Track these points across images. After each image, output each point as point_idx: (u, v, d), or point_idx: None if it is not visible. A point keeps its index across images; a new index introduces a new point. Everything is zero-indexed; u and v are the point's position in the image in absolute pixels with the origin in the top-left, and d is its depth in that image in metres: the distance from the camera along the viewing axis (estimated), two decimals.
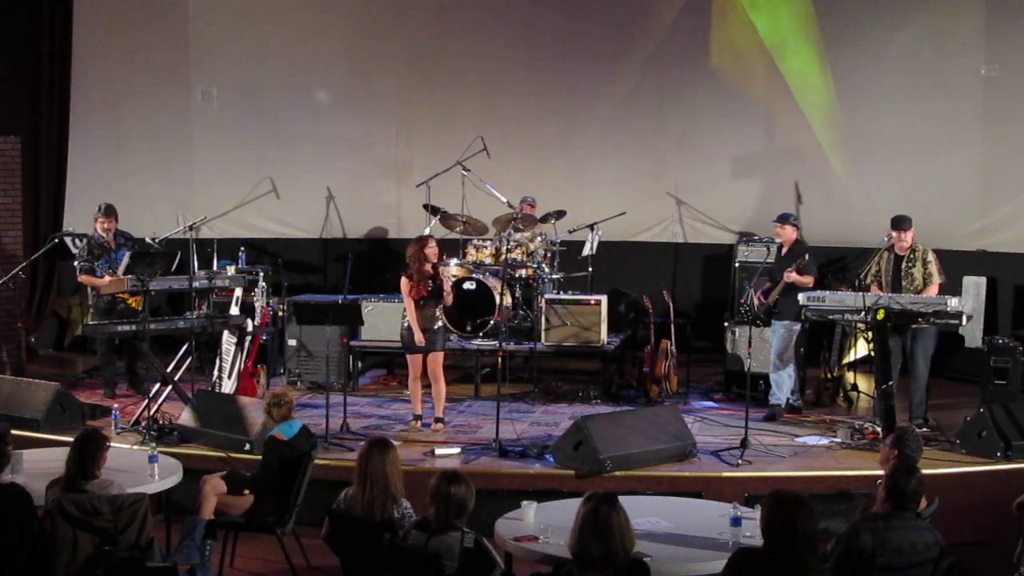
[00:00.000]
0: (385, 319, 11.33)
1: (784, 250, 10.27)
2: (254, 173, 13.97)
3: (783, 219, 10.29)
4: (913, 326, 9.30)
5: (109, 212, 10.78)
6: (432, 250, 9.53)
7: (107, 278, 10.37)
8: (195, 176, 14.16)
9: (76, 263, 10.74)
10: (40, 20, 13.57)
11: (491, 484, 8.08)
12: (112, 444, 6.85)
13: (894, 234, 9.69)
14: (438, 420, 9.73)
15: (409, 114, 14.10)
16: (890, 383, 9.07)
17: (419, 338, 9.53)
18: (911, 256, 9.76)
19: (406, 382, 11.77)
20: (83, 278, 10.70)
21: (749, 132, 13.46)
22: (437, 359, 9.67)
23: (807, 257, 9.94)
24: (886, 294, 9.34)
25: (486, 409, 10.36)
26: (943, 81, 12.49)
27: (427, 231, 11.84)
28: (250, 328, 10.44)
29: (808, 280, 9.96)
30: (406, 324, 9.57)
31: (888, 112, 12.77)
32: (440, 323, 9.65)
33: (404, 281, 9.56)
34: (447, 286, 9.53)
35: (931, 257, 9.74)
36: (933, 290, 9.60)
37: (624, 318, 12.37)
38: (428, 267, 9.50)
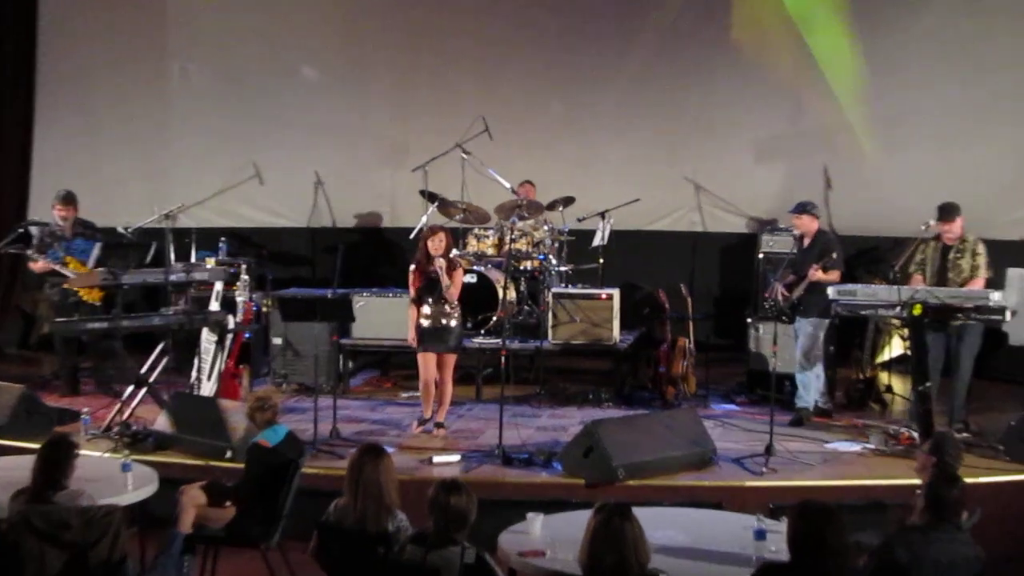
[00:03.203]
0: (378, 315, 11.32)
1: (806, 242, 10.25)
2: (236, 157, 13.94)
3: (801, 209, 10.27)
4: (956, 323, 9.26)
5: (67, 200, 10.88)
6: (435, 244, 9.52)
7: (40, 263, 10.49)
8: (172, 160, 14.14)
9: (28, 251, 10.84)
10: None
11: (494, 494, 8.05)
12: (82, 451, 6.84)
13: (932, 223, 9.65)
14: (438, 425, 9.74)
15: (405, 93, 14.06)
16: (927, 384, 9.04)
17: (411, 335, 9.58)
18: (960, 246, 9.73)
19: (401, 383, 11.85)
20: (34, 266, 10.80)
21: (773, 112, 13.43)
22: (447, 361, 9.70)
23: (835, 255, 9.91)
24: (924, 287, 9.31)
25: (488, 413, 10.35)
26: (982, 56, 12.44)
27: (424, 219, 11.86)
28: (231, 325, 10.42)
29: (834, 276, 9.94)
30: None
31: (924, 90, 12.72)
32: (453, 321, 9.65)
33: (410, 274, 9.68)
34: (444, 277, 9.50)
35: (981, 249, 9.72)
36: (979, 283, 9.59)
37: (638, 314, 12.35)
38: (435, 263, 9.51)
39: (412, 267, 9.69)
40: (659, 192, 13.51)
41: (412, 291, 9.64)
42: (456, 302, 9.66)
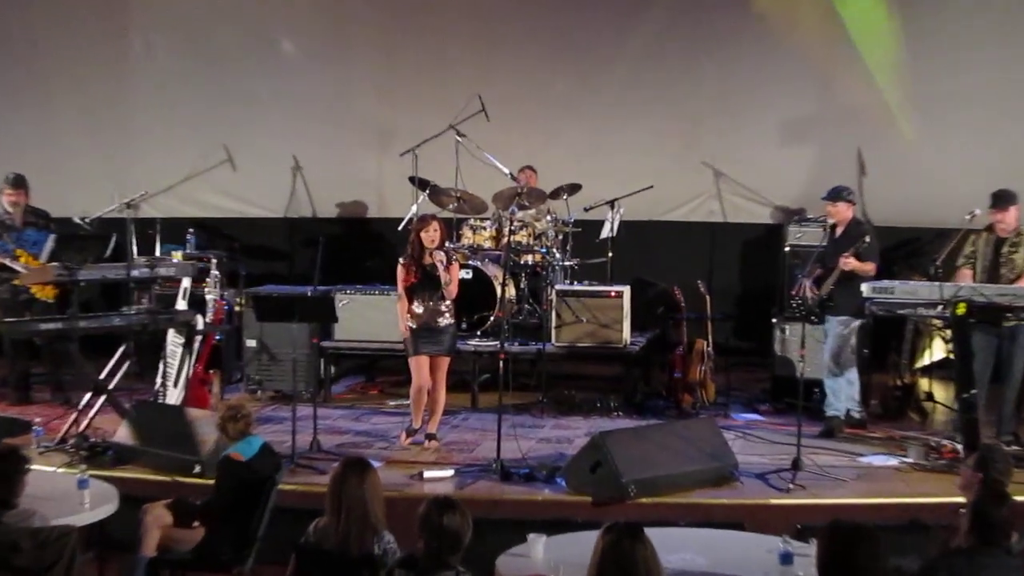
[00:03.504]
0: (363, 315, 11.31)
1: (839, 231, 10.22)
2: (206, 140, 13.93)
3: (835, 195, 10.24)
4: (1008, 324, 9.22)
5: (17, 184, 10.85)
6: (430, 235, 9.50)
7: None
8: (134, 142, 14.11)
9: None
10: None
11: (491, 513, 8.04)
12: (34, 466, 6.81)
13: (978, 212, 9.62)
14: (430, 437, 9.71)
15: (393, 69, 14.04)
16: (973, 391, 9.01)
17: (403, 326, 9.60)
18: (1015, 239, 9.71)
19: (388, 390, 11.83)
20: None
21: (801, 90, 13.40)
22: (441, 365, 9.68)
23: (867, 240, 9.89)
24: (968, 284, 9.29)
25: (485, 423, 10.33)
26: None
27: (414, 209, 11.84)
28: (200, 326, 10.40)
29: (869, 267, 9.91)
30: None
31: (968, 65, 12.70)
32: (447, 320, 9.64)
33: (399, 268, 9.61)
34: (442, 272, 9.48)
35: None
36: None
37: (651, 313, 12.34)
38: (428, 256, 9.49)
39: (401, 261, 9.66)
40: (674, 179, 13.50)
41: (401, 288, 9.61)
42: (450, 300, 9.65)
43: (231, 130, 13.97)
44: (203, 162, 13.90)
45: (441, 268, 9.46)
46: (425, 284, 9.56)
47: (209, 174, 13.96)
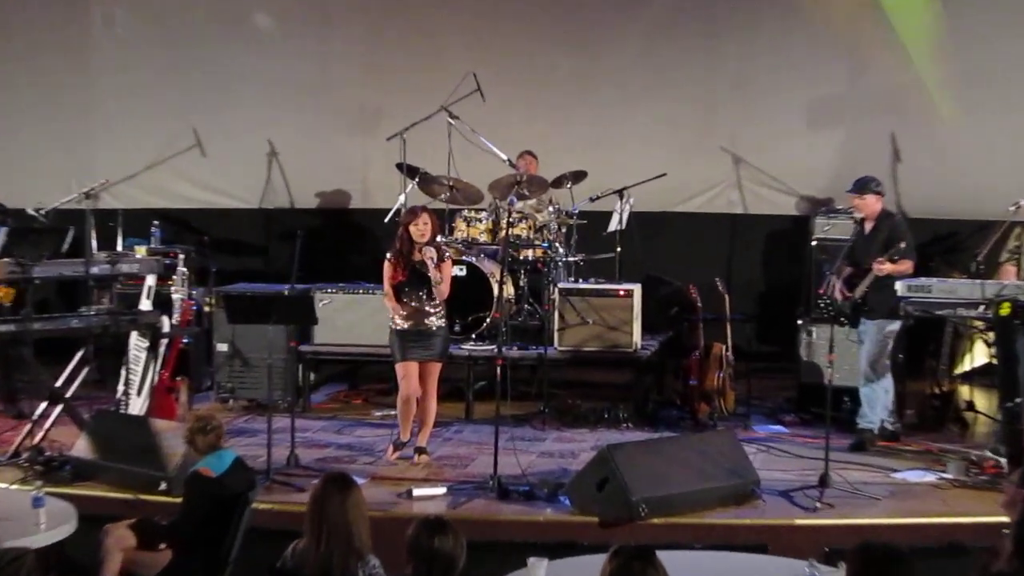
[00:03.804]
0: (346, 316, 11.31)
1: (868, 226, 10.23)
2: (172, 123, 13.95)
3: (861, 187, 10.24)
4: None
5: None
6: (419, 228, 9.48)
7: None
8: (94, 126, 14.15)
9: None
10: None
11: (488, 535, 8.04)
12: None
13: (1023, 202, 9.64)
14: (420, 450, 9.72)
15: (378, 44, 14.06)
16: (1018, 400, 9.03)
17: (394, 310, 9.58)
18: None
19: (373, 399, 11.83)
20: None
21: (829, 68, 13.42)
22: (431, 371, 9.68)
23: (903, 245, 9.90)
24: (1013, 282, 9.30)
25: (481, 435, 10.35)
26: None
27: (402, 199, 11.84)
28: (167, 328, 10.41)
29: (906, 266, 9.91)
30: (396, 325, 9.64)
31: (1013, 41, 12.72)
32: (438, 323, 9.63)
33: (385, 265, 9.60)
34: (432, 270, 9.47)
35: None
36: None
37: (664, 314, 12.34)
38: (417, 252, 9.48)
39: (388, 257, 9.66)
40: (690, 165, 13.52)
41: (388, 287, 9.60)
42: (441, 300, 9.64)
43: (200, 113, 13.98)
44: (169, 148, 13.91)
45: (431, 265, 9.45)
46: (414, 283, 9.55)
47: (176, 161, 13.97)
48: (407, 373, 9.63)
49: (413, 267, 9.53)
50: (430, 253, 9.45)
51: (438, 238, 9.83)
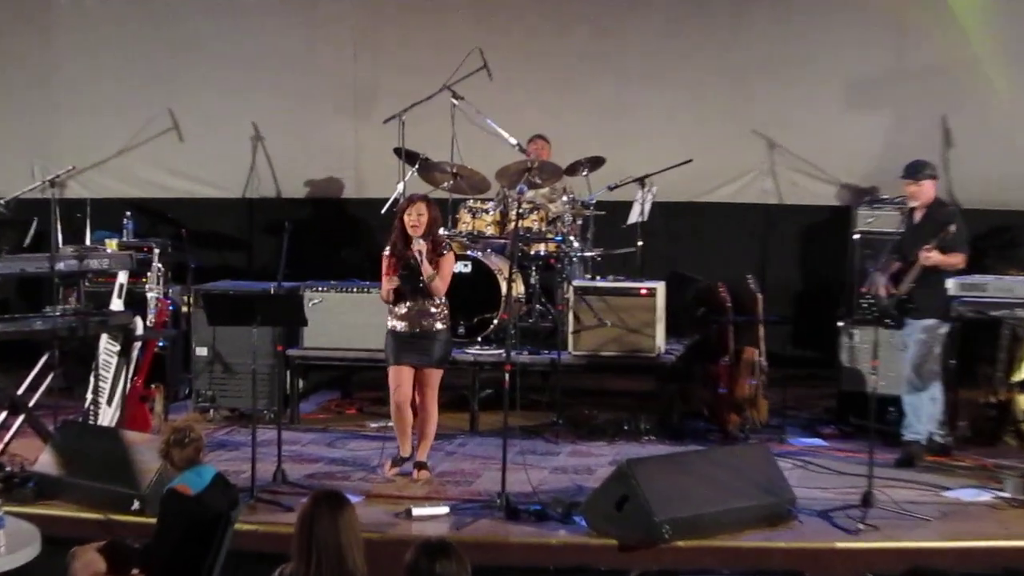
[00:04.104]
0: (338, 317, 11.30)
1: (918, 216, 10.22)
2: (145, 104, 13.96)
3: (914, 172, 10.21)
4: None
5: None
6: (412, 219, 9.46)
7: None
8: (58, 108, 14.16)
9: None
10: None
11: (495, 559, 8.05)
12: None
13: None
14: (419, 466, 9.71)
15: (374, 16, 14.07)
16: None
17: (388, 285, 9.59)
18: None
19: (369, 409, 11.84)
20: None
21: (873, 44, 13.41)
22: (430, 379, 9.65)
23: (953, 228, 9.88)
24: None
25: (487, 449, 10.36)
26: None
27: (400, 187, 11.83)
28: (140, 330, 10.41)
29: (956, 259, 9.89)
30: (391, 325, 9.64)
31: None
32: (437, 324, 9.61)
33: (384, 260, 9.62)
34: (425, 264, 9.43)
35: None
36: None
37: (690, 315, 12.33)
38: (414, 246, 9.46)
39: (386, 252, 9.65)
40: (719, 151, 13.52)
41: (385, 285, 9.59)
42: (443, 299, 9.62)
43: (177, 94, 14.00)
44: (143, 132, 13.92)
45: (420, 258, 9.40)
46: (410, 280, 9.53)
47: (151, 146, 13.98)
48: (398, 379, 9.61)
49: (409, 263, 9.51)
50: (419, 246, 9.41)
51: (441, 231, 9.80)
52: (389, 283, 9.59)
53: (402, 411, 9.65)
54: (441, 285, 9.54)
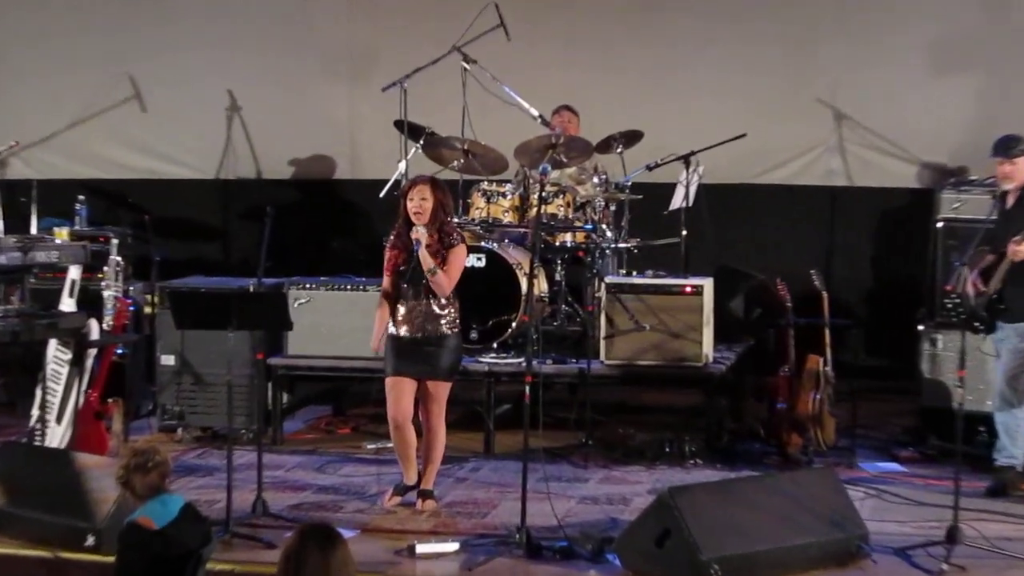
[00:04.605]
0: (329, 320, 11.32)
1: (1011, 200, 10.21)
2: (102, 69, 14.00)
3: (1007, 148, 10.18)
4: None
5: None
6: (415, 203, 9.45)
7: None
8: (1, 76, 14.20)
9: None
10: None
11: None
12: None
13: None
14: (424, 494, 9.71)
15: None
16: None
17: (375, 339, 9.61)
18: None
19: (365, 427, 11.87)
20: None
21: None
22: (437, 393, 9.64)
23: None
24: None
25: (504, 475, 10.39)
26: None
27: (402, 167, 11.84)
28: (95, 335, 10.42)
29: None
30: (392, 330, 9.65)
31: None
32: (444, 328, 9.59)
33: (386, 251, 9.64)
34: (426, 256, 9.39)
35: None
36: None
37: (744, 318, 12.33)
38: (413, 234, 9.44)
39: (389, 242, 9.62)
40: (777, 124, 13.52)
41: (386, 281, 9.58)
42: (452, 298, 9.61)
43: (139, 56, 14.04)
44: (99, 101, 13.96)
45: (419, 248, 9.37)
46: (413, 275, 9.50)
47: (108, 118, 14.02)
48: (397, 392, 9.58)
49: (411, 254, 9.48)
50: (418, 234, 9.36)
51: (451, 219, 9.78)
52: (389, 280, 9.59)
53: (403, 431, 9.63)
54: (446, 282, 9.48)
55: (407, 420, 9.60)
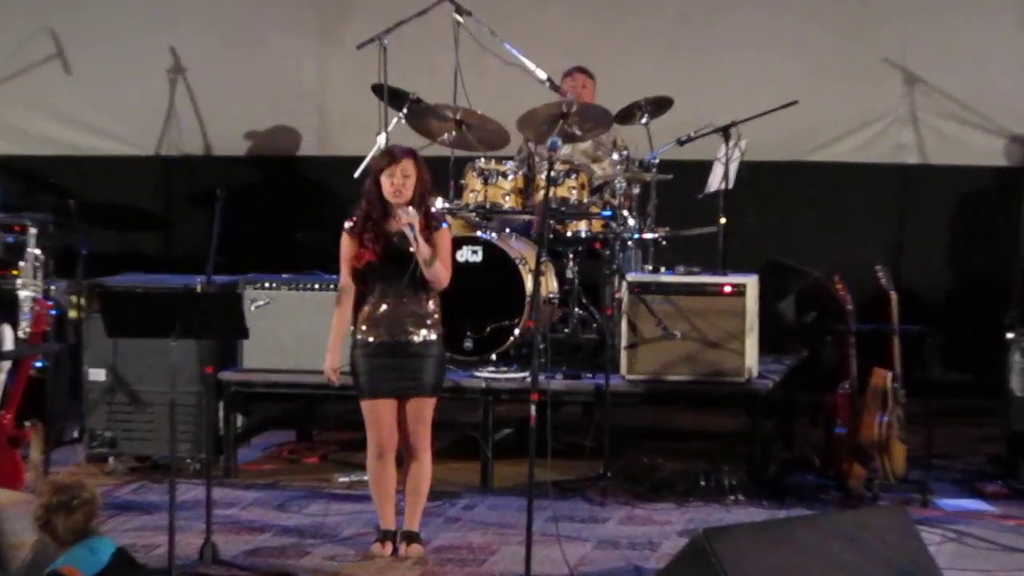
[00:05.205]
0: (293, 326, 11.33)
1: None
2: (17, 22, 14.02)
3: None
4: None
5: None
6: (397, 180, 9.41)
7: None
8: None
9: None
10: None
11: None
12: None
13: None
14: (409, 537, 9.70)
15: None
16: None
17: (329, 365, 9.56)
18: None
19: (336, 456, 11.88)
20: None
21: None
22: (421, 412, 9.59)
23: None
24: None
25: (505, 513, 10.40)
26: None
27: (380, 140, 11.83)
28: (9, 345, 10.43)
29: None
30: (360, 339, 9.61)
31: None
32: (428, 334, 9.56)
33: (344, 240, 9.53)
34: (419, 243, 9.37)
35: None
36: None
37: (795, 323, 12.33)
38: (393, 217, 9.40)
39: (348, 226, 9.50)
40: (835, 89, 13.57)
41: (344, 275, 9.51)
42: (434, 294, 9.53)
43: (63, 6, 14.02)
44: (14, 62, 13.99)
45: (411, 235, 9.31)
46: (389, 267, 9.44)
47: (25, 81, 14.06)
48: (378, 415, 9.53)
49: (388, 242, 9.41)
50: (410, 217, 9.28)
51: (439, 202, 9.76)
52: (348, 276, 9.50)
53: (384, 463, 9.57)
54: (444, 272, 9.41)
55: (392, 449, 9.56)
